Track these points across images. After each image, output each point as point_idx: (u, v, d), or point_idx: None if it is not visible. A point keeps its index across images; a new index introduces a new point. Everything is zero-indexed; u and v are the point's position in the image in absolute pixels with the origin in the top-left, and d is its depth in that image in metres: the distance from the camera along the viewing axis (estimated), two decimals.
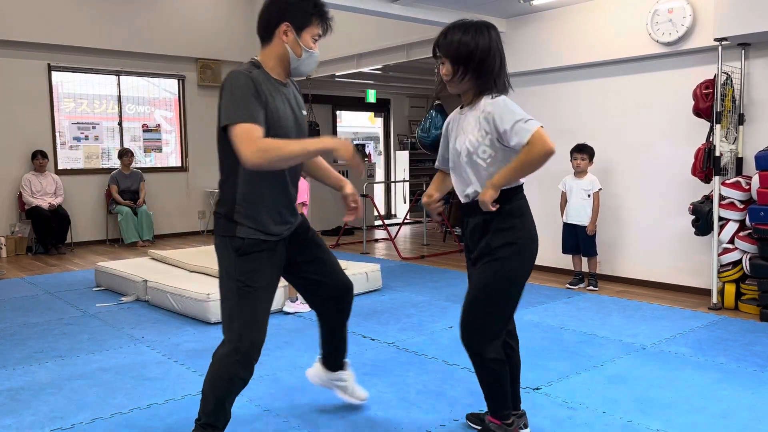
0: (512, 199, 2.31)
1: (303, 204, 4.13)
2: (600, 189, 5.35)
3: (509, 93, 2.34)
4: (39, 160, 7.90)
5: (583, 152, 5.35)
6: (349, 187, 2.52)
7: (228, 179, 2.27)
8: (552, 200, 5.66)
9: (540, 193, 6.01)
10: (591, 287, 5.37)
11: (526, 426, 2.60)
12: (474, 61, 2.24)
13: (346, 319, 2.70)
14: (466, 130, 2.33)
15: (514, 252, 2.28)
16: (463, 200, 2.41)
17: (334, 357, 2.77)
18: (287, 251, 2.41)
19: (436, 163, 2.63)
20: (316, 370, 2.84)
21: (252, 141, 2.07)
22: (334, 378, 2.81)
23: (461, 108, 2.42)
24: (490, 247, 2.28)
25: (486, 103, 2.28)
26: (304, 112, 2.41)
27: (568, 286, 5.49)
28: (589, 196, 5.34)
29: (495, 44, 2.27)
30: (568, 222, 5.46)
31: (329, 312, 2.66)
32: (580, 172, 5.39)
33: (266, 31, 2.27)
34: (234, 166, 2.20)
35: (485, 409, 2.52)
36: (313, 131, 9.06)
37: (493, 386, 2.38)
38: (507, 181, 2.23)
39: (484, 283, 2.30)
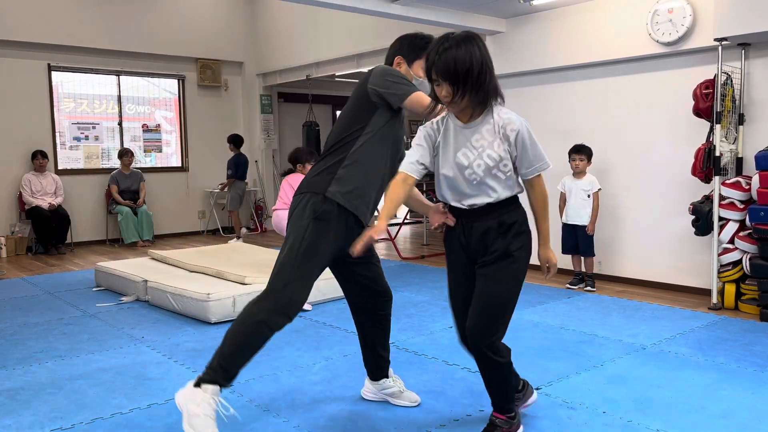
0: (519, 203, 2.40)
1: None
2: (599, 189, 5.35)
3: (503, 95, 2.35)
4: (39, 160, 7.90)
5: (581, 153, 5.35)
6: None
7: (344, 139, 2.51)
8: (551, 201, 5.65)
9: None
10: (588, 288, 5.37)
11: (532, 392, 2.74)
12: (473, 76, 2.18)
13: (384, 333, 2.82)
14: (480, 145, 2.28)
15: (527, 253, 2.38)
16: (466, 208, 2.36)
17: (374, 367, 2.88)
18: (347, 247, 2.53)
19: (408, 167, 2.33)
20: (366, 385, 2.98)
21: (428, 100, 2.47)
22: (380, 388, 2.91)
23: (460, 120, 2.33)
24: (509, 250, 2.32)
25: (506, 118, 2.27)
26: (406, 139, 2.78)
27: (568, 286, 5.49)
28: (588, 196, 5.34)
29: (486, 54, 2.24)
30: (568, 222, 5.46)
31: (367, 321, 2.79)
32: (579, 173, 5.39)
33: (387, 62, 2.68)
34: (359, 131, 2.50)
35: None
36: (313, 131, 9.08)
37: (502, 385, 2.42)
38: (548, 227, 2.46)
39: (507, 285, 2.34)
